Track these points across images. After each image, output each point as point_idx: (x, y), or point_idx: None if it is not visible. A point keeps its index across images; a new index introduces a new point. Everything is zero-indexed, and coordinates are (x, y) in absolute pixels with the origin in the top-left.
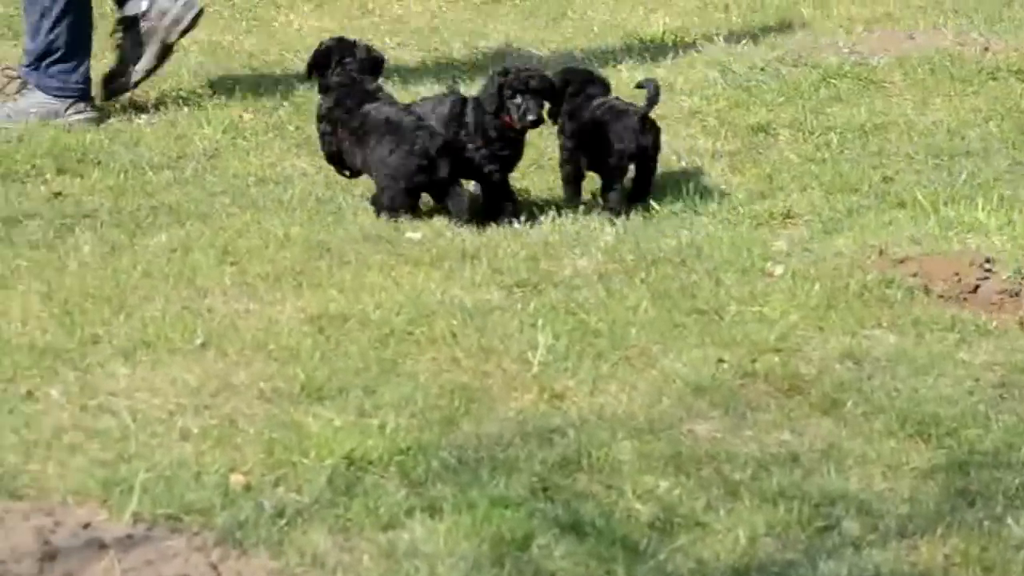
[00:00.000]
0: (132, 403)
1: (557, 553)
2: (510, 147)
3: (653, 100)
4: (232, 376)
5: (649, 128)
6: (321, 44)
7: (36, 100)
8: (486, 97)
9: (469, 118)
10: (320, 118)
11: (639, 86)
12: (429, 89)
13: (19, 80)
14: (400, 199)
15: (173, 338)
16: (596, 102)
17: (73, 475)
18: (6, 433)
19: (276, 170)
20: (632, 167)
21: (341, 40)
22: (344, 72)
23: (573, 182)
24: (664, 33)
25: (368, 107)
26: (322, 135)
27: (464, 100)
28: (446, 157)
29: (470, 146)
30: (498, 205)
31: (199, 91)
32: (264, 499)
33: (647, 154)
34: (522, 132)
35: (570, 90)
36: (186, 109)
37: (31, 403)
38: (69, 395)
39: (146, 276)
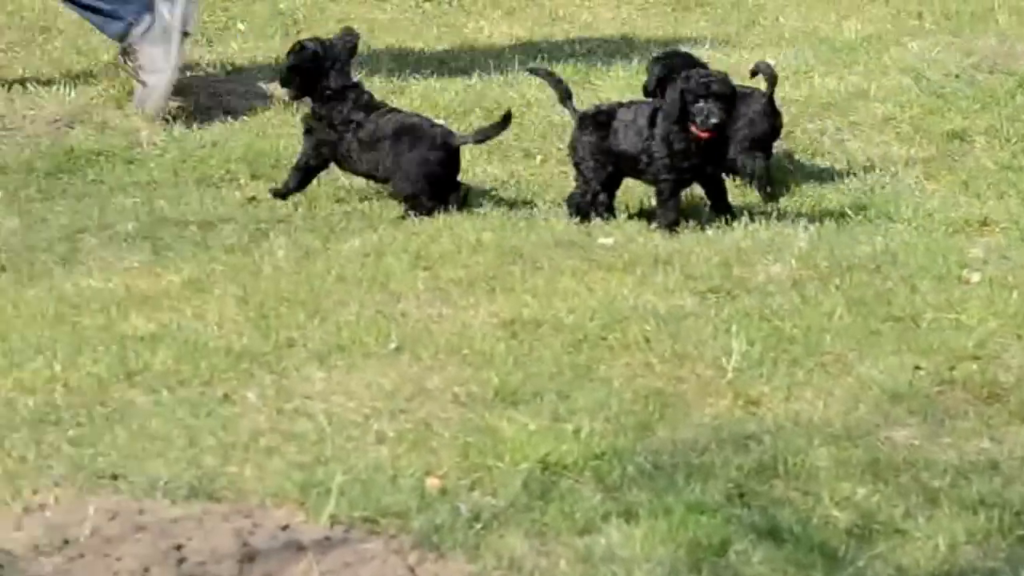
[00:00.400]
0: (328, 406)
1: (755, 559)
2: (695, 158)
3: (773, 82)
4: (426, 380)
5: (775, 111)
6: (302, 47)
7: (141, 60)
8: (668, 105)
9: (658, 128)
10: (330, 125)
11: (754, 72)
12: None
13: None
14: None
15: (367, 342)
16: None
17: (271, 477)
18: (204, 436)
19: (468, 175)
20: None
21: (323, 43)
22: (343, 75)
23: None
24: (857, 39)
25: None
26: (323, 142)
27: (657, 109)
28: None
29: (655, 154)
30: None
31: (390, 97)
32: (460, 502)
33: (775, 136)
34: (706, 140)
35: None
36: None
37: (228, 406)
38: (266, 398)
39: (340, 280)
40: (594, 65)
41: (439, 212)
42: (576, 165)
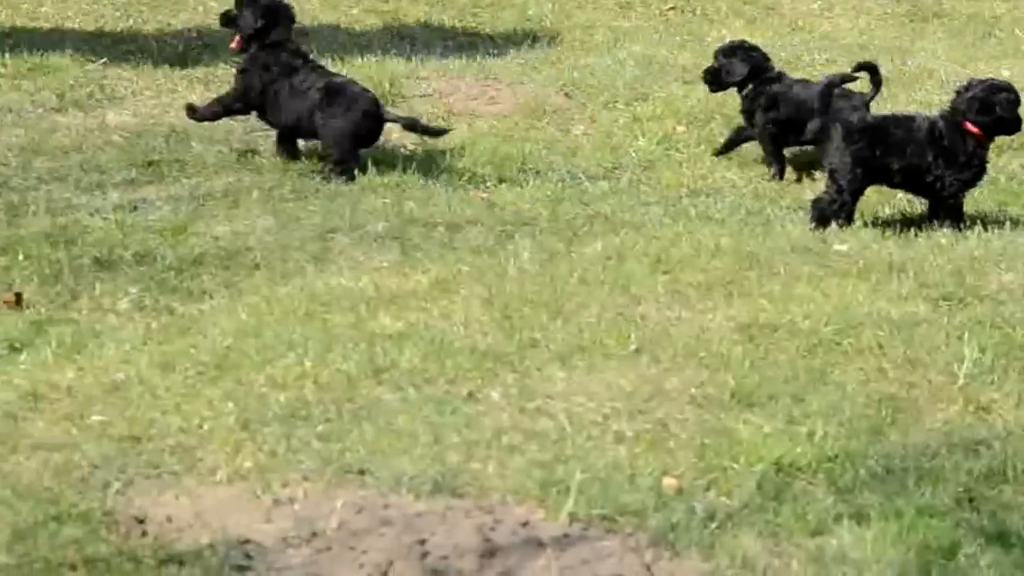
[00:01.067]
0: (568, 406)
1: (983, 563)
2: (975, 167)
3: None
4: (664, 382)
5: None
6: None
7: None
8: (951, 114)
9: (945, 139)
10: (265, 67)
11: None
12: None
13: None
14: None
15: (608, 344)
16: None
17: (512, 475)
18: (448, 433)
19: (707, 182)
20: None
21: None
22: (287, 30)
23: None
24: None
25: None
26: (252, 87)
27: (934, 121)
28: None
29: (942, 165)
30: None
31: (634, 104)
32: (695, 502)
33: None
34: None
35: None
36: (621, 121)
37: (472, 404)
38: (508, 397)
39: (582, 283)
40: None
41: (677, 219)
42: (832, 173)
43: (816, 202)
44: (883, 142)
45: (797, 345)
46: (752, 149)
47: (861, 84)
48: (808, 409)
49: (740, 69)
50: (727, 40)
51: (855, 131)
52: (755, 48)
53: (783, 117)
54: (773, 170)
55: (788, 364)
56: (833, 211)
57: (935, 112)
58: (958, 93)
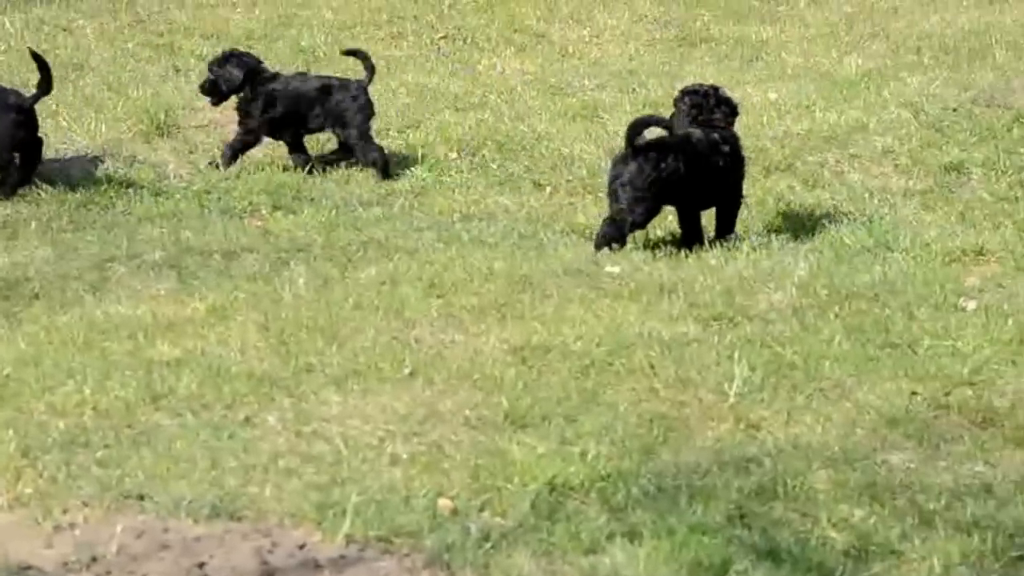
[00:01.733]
0: (344, 429)
1: None
2: None
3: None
4: (439, 404)
5: None
6: None
7: None
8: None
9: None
10: None
11: None
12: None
13: None
14: None
15: (383, 367)
16: None
17: (289, 498)
18: (226, 457)
19: (480, 207)
20: None
21: None
22: None
23: None
24: (857, 75)
25: None
26: None
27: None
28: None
29: None
30: None
31: (407, 131)
32: (470, 523)
33: None
34: None
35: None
36: (394, 148)
37: (249, 428)
38: (285, 421)
39: (357, 308)
40: (602, 100)
41: (450, 244)
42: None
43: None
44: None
45: (569, 366)
46: (525, 175)
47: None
48: (581, 429)
49: (236, 74)
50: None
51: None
52: (246, 53)
53: (280, 113)
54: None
55: (561, 385)
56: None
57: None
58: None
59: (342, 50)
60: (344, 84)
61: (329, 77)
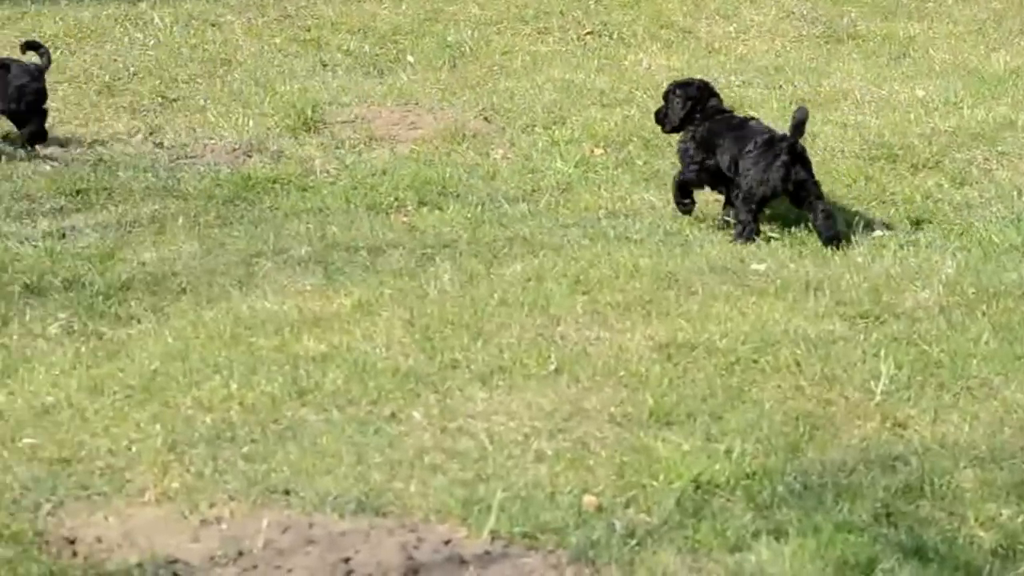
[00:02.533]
0: (489, 426)
1: None
2: None
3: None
4: (584, 401)
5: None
6: None
7: None
8: None
9: None
10: None
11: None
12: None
13: None
14: None
15: (528, 364)
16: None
17: (434, 494)
18: (371, 453)
19: (625, 203)
20: None
21: None
22: None
23: None
24: (1005, 71)
25: None
26: None
27: None
28: None
29: None
30: None
31: (552, 127)
32: (615, 520)
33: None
34: None
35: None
36: (540, 144)
37: (395, 424)
38: (430, 417)
39: (502, 304)
40: (748, 96)
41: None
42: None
43: None
44: None
45: (715, 363)
46: (671, 172)
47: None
48: (726, 427)
49: None
50: None
51: None
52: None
53: None
54: None
55: (706, 382)
56: None
57: None
58: None
59: (21, 44)
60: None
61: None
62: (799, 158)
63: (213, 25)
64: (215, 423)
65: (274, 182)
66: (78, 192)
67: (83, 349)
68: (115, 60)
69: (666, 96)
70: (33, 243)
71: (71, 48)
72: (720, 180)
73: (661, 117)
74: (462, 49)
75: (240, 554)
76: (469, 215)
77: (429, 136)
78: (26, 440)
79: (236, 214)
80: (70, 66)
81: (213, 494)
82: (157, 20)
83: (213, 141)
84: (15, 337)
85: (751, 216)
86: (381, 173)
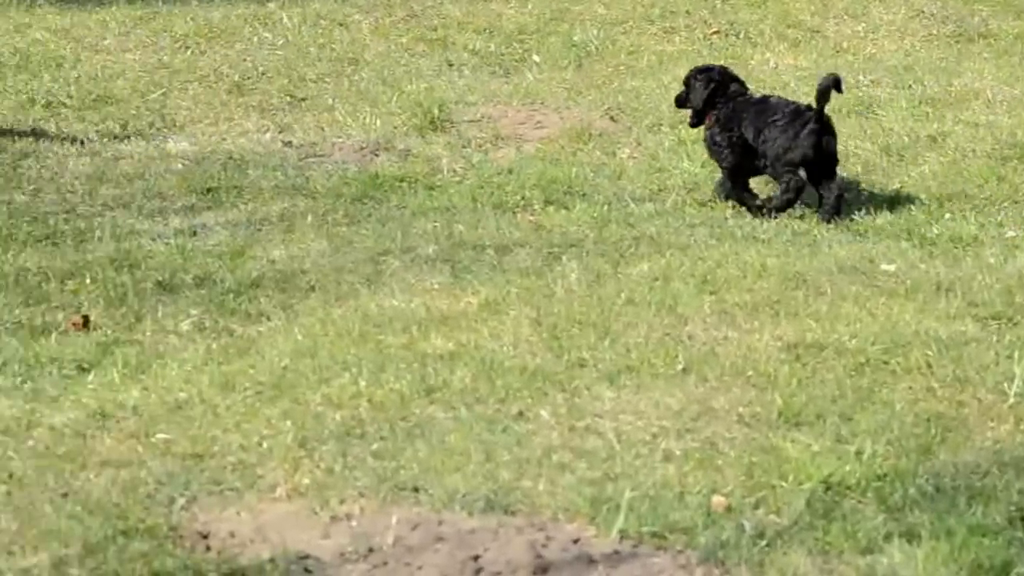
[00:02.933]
0: (617, 425)
1: None
2: None
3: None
4: (712, 400)
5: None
6: None
7: None
8: None
9: None
10: None
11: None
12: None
13: None
14: None
15: (655, 363)
16: None
17: (563, 492)
18: (500, 451)
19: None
20: None
21: None
22: None
23: None
24: None
25: None
26: None
27: None
28: None
29: None
30: None
31: (679, 126)
32: (745, 520)
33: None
34: None
35: None
36: (666, 144)
37: (522, 423)
38: (558, 416)
39: (629, 303)
40: (877, 96)
41: (723, 240)
42: None
43: None
44: None
45: (844, 364)
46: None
47: None
48: (856, 428)
49: None
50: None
51: None
52: None
53: None
54: None
55: (835, 383)
56: None
57: None
58: None
59: None
60: None
61: None
62: (828, 128)
63: (341, 25)
64: (344, 420)
65: (401, 181)
66: (209, 190)
67: (214, 346)
68: (244, 59)
69: (687, 81)
70: (165, 240)
71: (201, 48)
72: (752, 159)
73: (682, 101)
74: (588, 49)
75: (370, 551)
76: (595, 214)
77: (555, 135)
78: (160, 435)
79: (364, 212)
80: (200, 66)
81: (343, 491)
82: (286, 20)
83: (341, 140)
84: (148, 333)
85: (790, 183)
86: (507, 172)
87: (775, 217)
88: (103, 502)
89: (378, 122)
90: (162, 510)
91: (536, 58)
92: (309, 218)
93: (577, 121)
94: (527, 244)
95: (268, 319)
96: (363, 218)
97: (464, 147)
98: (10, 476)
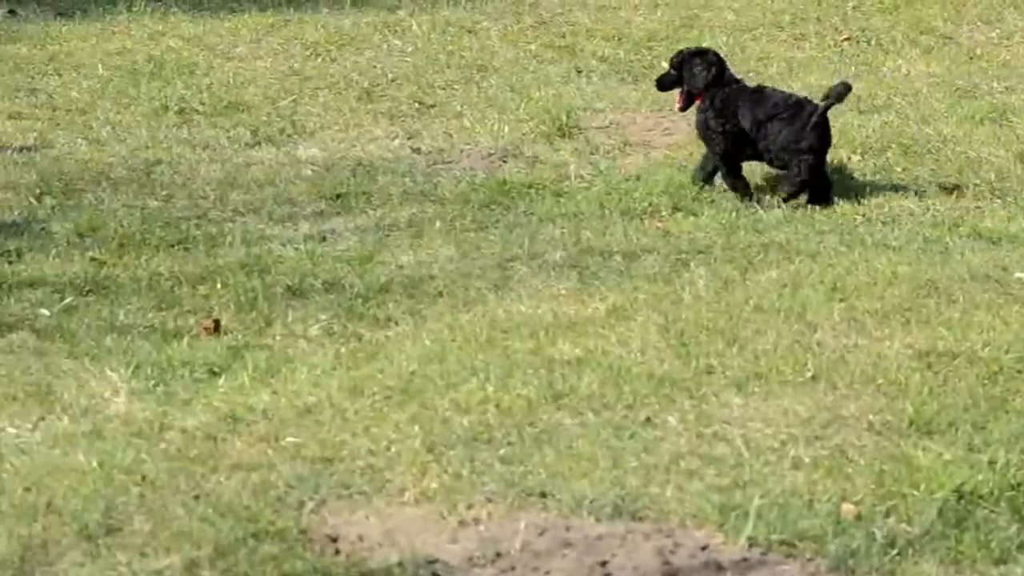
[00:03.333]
0: (745, 432)
1: None
2: None
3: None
4: (841, 408)
5: None
6: None
7: None
8: None
9: None
10: None
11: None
12: None
13: None
14: None
15: (784, 370)
16: None
17: (691, 499)
18: (627, 457)
19: (883, 210)
20: None
21: None
22: None
23: None
24: None
25: None
26: None
27: None
28: None
29: None
30: None
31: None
32: (875, 528)
33: None
34: None
35: None
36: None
37: (650, 429)
38: (685, 423)
39: (757, 310)
40: (1011, 103)
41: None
42: None
43: None
44: None
45: (977, 373)
46: (930, 178)
47: None
48: (989, 437)
49: None
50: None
51: None
52: None
53: None
54: None
55: (968, 392)
56: None
57: None
58: None
59: None
60: None
61: None
62: (827, 125)
63: (470, 32)
64: (472, 425)
65: (529, 187)
66: (338, 196)
67: (343, 350)
68: (374, 66)
69: (679, 64)
70: (295, 246)
71: (332, 55)
72: (745, 146)
73: (667, 83)
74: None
75: (498, 555)
76: (723, 221)
77: (683, 142)
78: (289, 439)
79: (491, 218)
80: (331, 72)
81: (471, 495)
82: (415, 27)
83: (469, 146)
84: (278, 338)
85: (802, 168)
86: (635, 179)
87: (786, 201)
88: (234, 504)
89: (506, 129)
90: (292, 513)
91: (665, 64)
92: (437, 224)
93: None
94: (655, 250)
95: (396, 324)
96: (491, 224)
97: (592, 153)
98: (143, 478)
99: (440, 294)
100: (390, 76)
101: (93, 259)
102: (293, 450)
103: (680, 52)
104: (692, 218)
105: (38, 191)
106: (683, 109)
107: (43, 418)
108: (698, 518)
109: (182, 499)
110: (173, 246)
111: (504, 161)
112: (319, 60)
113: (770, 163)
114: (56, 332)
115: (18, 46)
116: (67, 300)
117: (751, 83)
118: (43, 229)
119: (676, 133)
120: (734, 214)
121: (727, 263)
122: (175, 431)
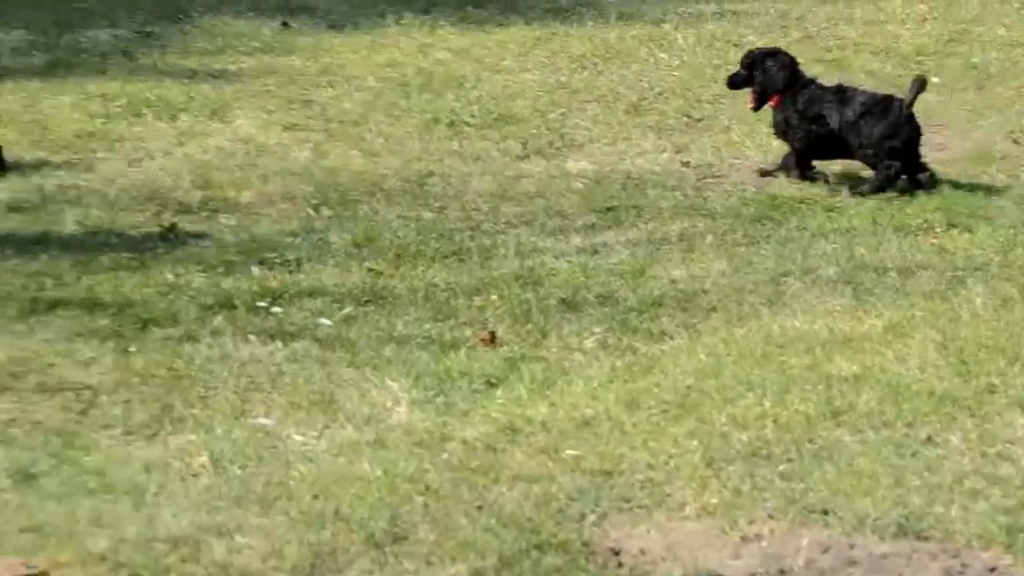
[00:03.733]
0: None
1: None
2: None
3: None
4: None
5: None
6: None
7: None
8: None
9: None
10: None
11: None
12: None
13: None
14: None
15: None
16: None
17: (976, 519)
18: (909, 476)
19: None
20: None
21: None
22: None
23: None
24: None
25: None
26: None
27: None
28: None
29: None
30: None
31: None
32: None
33: None
34: None
35: None
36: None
37: (932, 447)
38: (968, 442)
39: None
40: None
41: None
42: None
43: None
44: None
45: None
46: None
47: None
48: None
49: None
50: None
51: None
52: None
53: None
54: None
55: None
56: None
57: None
58: None
59: None
60: None
61: None
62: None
63: (735, 45)
64: (750, 440)
65: (800, 202)
66: (608, 209)
67: (618, 363)
68: (641, 80)
69: (750, 64)
70: (567, 258)
71: (598, 68)
72: (829, 147)
73: (738, 82)
74: (988, 71)
75: (781, 572)
76: (1000, 238)
77: (956, 158)
78: (569, 451)
79: (763, 233)
80: (598, 85)
81: (752, 511)
82: (680, 40)
83: (738, 161)
84: (553, 350)
85: (890, 166)
86: (908, 194)
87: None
88: (516, 516)
89: (774, 143)
90: (574, 525)
91: (935, 79)
92: (708, 238)
93: (978, 143)
94: (930, 267)
95: (671, 338)
96: (762, 239)
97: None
98: (427, 488)
99: (714, 308)
100: (657, 89)
101: (370, 269)
102: (573, 462)
103: (751, 52)
104: (967, 235)
105: (315, 202)
106: (756, 108)
107: (327, 426)
108: (984, 539)
109: (465, 509)
110: (448, 257)
111: (774, 176)
112: (586, 73)
113: (863, 159)
114: (337, 342)
115: (292, 58)
116: (346, 310)
117: (828, 83)
118: (321, 239)
119: (949, 148)
120: (1011, 231)
121: (1005, 280)
122: (456, 441)
